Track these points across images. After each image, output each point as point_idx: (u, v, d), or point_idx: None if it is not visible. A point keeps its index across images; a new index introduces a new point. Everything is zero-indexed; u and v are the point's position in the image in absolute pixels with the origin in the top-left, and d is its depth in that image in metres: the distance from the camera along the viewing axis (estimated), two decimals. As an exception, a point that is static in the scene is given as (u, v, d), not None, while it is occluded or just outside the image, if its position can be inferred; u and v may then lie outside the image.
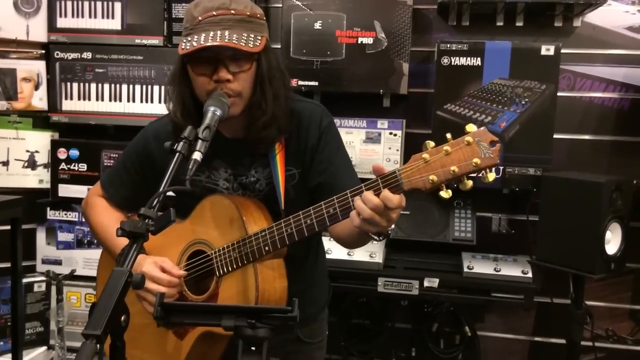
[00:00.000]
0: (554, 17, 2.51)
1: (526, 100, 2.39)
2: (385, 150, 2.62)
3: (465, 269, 2.34)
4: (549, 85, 2.38)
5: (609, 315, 2.61)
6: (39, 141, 2.86)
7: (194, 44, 1.28)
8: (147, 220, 1.05)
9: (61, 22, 2.77)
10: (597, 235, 2.10)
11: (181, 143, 1.18)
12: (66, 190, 2.82)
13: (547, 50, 2.37)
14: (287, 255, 1.43)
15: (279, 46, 2.60)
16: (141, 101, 2.76)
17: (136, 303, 1.36)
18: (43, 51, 2.80)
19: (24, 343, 2.60)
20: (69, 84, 2.79)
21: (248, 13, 1.33)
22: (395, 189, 1.18)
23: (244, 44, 1.29)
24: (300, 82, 2.59)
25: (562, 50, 2.39)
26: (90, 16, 2.76)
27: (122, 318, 0.96)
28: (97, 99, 2.78)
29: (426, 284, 2.33)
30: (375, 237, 1.29)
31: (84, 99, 2.79)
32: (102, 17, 2.75)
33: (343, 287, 2.40)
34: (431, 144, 1.18)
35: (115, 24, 2.75)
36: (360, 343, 2.71)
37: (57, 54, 2.78)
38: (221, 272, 1.40)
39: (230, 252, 1.39)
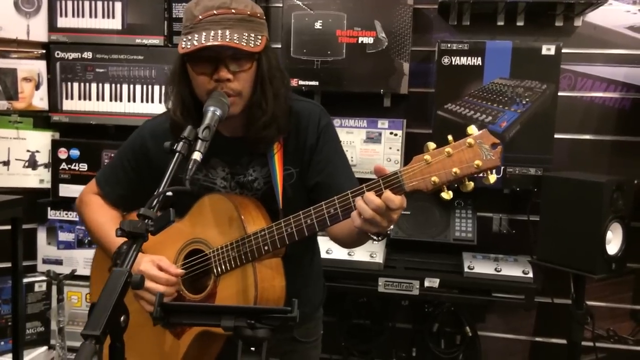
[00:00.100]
0: (555, 16, 2.51)
1: (527, 100, 2.39)
2: (386, 150, 2.62)
3: (466, 269, 2.33)
4: (550, 85, 2.38)
5: (609, 316, 2.61)
6: (40, 141, 2.86)
7: (195, 43, 1.28)
8: (146, 221, 1.05)
9: (62, 22, 2.77)
10: (598, 235, 2.10)
11: (181, 143, 1.18)
12: (67, 190, 2.82)
13: (548, 50, 2.37)
14: (285, 255, 1.43)
15: (280, 46, 2.60)
16: (142, 101, 2.76)
17: (133, 302, 1.36)
18: (43, 51, 2.80)
19: (24, 343, 2.60)
20: (69, 83, 2.79)
21: (249, 12, 1.33)
22: (396, 190, 1.18)
23: (245, 44, 1.29)
24: (301, 82, 2.59)
25: (563, 50, 2.39)
26: (90, 16, 2.76)
27: (122, 318, 0.95)
28: (97, 99, 2.78)
29: (427, 284, 2.33)
30: (375, 237, 1.30)
31: (85, 99, 2.79)
32: (103, 16, 2.75)
33: (343, 287, 2.40)
34: (432, 145, 1.18)
35: (115, 23, 2.75)
36: (361, 343, 2.71)
37: (58, 54, 2.78)
38: (219, 271, 1.40)
39: (229, 252, 1.39)
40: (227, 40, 1.27)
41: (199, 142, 1.20)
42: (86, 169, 2.80)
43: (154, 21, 2.72)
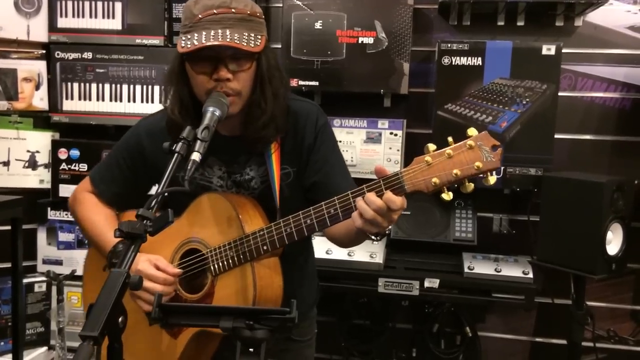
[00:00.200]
0: (555, 16, 2.51)
1: (527, 100, 2.38)
2: (386, 150, 2.62)
3: (466, 270, 2.33)
4: (550, 85, 2.38)
5: (610, 316, 2.61)
6: (40, 141, 2.86)
7: (195, 42, 1.28)
8: (145, 222, 1.05)
9: (62, 22, 2.77)
10: (598, 235, 2.09)
11: (180, 144, 1.18)
12: (67, 191, 2.81)
13: (548, 49, 2.37)
14: (282, 254, 1.43)
15: (280, 46, 2.60)
16: (142, 101, 2.76)
17: (129, 301, 1.35)
18: (44, 51, 2.80)
19: (24, 343, 2.60)
20: (69, 84, 2.79)
21: (248, 12, 1.33)
22: (397, 191, 1.19)
23: (245, 44, 1.29)
24: (301, 82, 2.59)
25: (563, 50, 2.39)
26: (90, 16, 2.76)
27: (120, 319, 0.95)
28: (97, 99, 2.78)
29: (427, 284, 2.32)
30: (374, 237, 1.30)
31: (85, 99, 2.79)
32: (103, 17, 2.75)
33: (343, 287, 2.40)
34: (433, 146, 1.19)
35: (115, 24, 2.75)
36: (361, 343, 2.71)
37: (58, 54, 2.78)
38: (217, 270, 1.40)
39: (227, 251, 1.38)
40: (228, 40, 1.27)
41: (198, 142, 1.19)
42: (86, 169, 2.80)
43: (154, 21, 2.72)
